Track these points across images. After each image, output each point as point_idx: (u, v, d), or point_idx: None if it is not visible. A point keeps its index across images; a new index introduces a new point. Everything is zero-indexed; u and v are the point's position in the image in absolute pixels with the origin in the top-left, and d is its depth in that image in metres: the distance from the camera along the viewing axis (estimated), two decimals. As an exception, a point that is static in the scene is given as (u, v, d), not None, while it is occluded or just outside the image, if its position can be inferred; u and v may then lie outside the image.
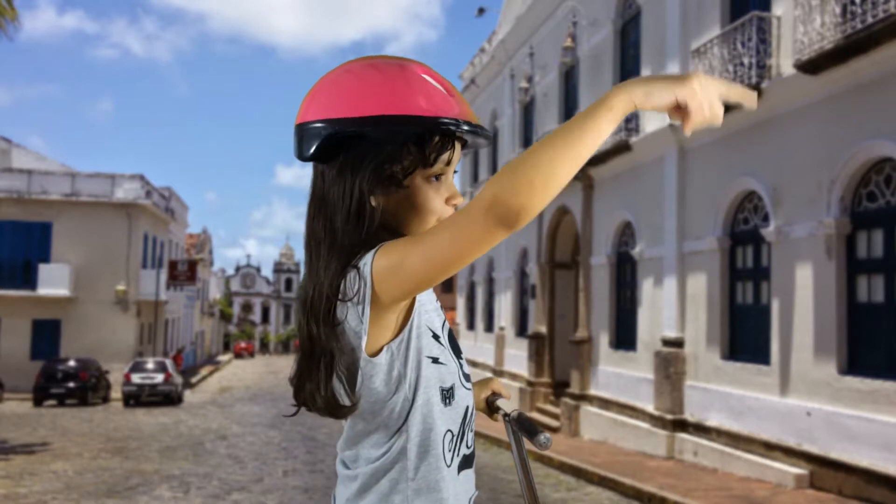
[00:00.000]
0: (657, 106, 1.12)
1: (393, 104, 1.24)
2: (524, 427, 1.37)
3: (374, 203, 1.27)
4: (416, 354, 1.26)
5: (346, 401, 1.28)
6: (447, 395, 1.29)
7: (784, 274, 10.35)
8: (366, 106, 1.25)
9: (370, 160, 1.26)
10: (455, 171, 1.37)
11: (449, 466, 1.28)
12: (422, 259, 1.14)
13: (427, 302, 1.32)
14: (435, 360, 1.28)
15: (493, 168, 25.15)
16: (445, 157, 1.30)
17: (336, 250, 1.26)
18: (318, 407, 1.32)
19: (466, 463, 1.33)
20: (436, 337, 1.29)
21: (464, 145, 1.36)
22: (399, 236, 1.28)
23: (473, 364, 23.29)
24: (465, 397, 1.33)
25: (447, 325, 1.38)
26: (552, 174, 1.06)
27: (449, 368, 1.30)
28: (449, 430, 1.29)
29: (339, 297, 1.23)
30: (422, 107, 1.25)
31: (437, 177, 1.31)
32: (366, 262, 1.20)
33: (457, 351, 1.35)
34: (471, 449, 1.35)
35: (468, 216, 1.10)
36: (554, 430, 16.54)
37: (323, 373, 1.28)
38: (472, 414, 1.35)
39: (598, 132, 1.09)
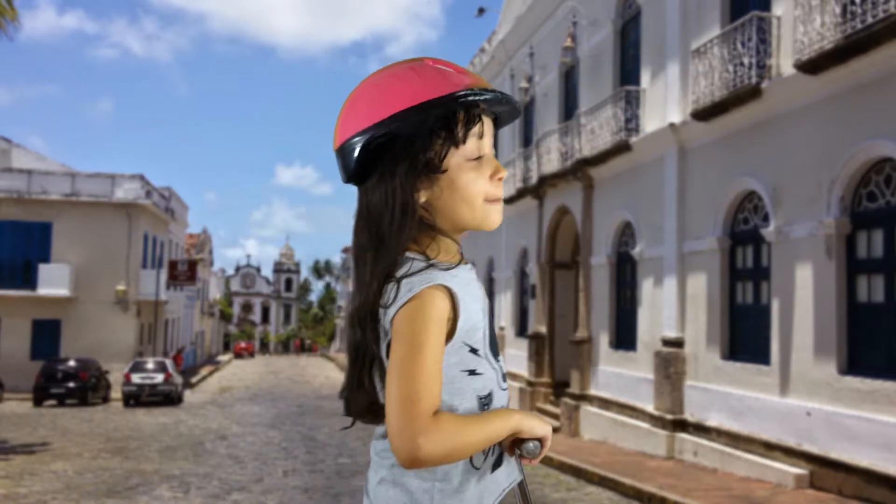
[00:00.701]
0: (537, 434, 1.33)
1: (411, 97, 1.28)
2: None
3: (418, 198, 1.31)
4: (448, 371, 1.28)
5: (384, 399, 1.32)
6: (485, 402, 1.32)
7: (784, 274, 10.35)
8: (386, 107, 1.29)
9: (404, 156, 1.30)
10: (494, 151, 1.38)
11: (478, 469, 1.31)
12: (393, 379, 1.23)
13: (470, 318, 1.30)
14: (472, 373, 1.30)
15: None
16: (476, 130, 1.33)
17: (383, 254, 1.29)
18: (361, 409, 1.36)
19: (501, 458, 1.35)
20: (474, 351, 1.31)
21: (495, 121, 1.39)
22: (452, 230, 1.34)
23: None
24: (501, 398, 1.36)
25: (491, 324, 1.38)
26: (459, 458, 1.25)
27: (486, 377, 1.33)
28: None
29: (382, 303, 1.27)
30: (438, 89, 1.29)
31: (477, 159, 1.33)
32: (399, 302, 1.25)
33: (496, 353, 1.37)
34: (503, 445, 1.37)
35: (404, 422, 1.20)
36: (554, 430, 16.48)
37: (367, 374, 1.33)
38: None
39: (500, 439, 1.30)
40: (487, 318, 1.36)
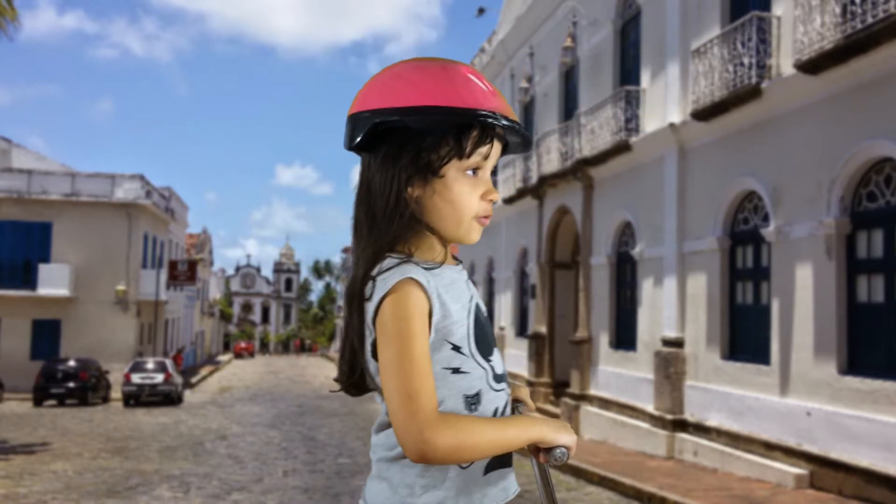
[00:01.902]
0: (561, 443, 1.32)
1: (434, 96, 1.29)
2: None
3: (410, 193, 1.32)
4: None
5: (372, 384, 1.35)
6: (472, 402, 1.31)
7: (784, 274, 10.35)
8: (408, 97, 1.30)
9: (410, 148, 1.31)
10: (494, 175, 1.39)
11: (465, 468, 1.30)
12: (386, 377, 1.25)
13: (448, 314, 1.30)
14: (456, 371, 1.30)
15: (494, 167, 25.07)
16: (483, 150, 1.34)
17: (374, 239, 1.32)
18: (345, 384, 1.40)
19: (499, 463, 1.35)
20: (457, 348, 1.30)
21: (504, 147, 1.41)
22: (437, 231, 1.35)
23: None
24: (495, 399, 1.35)
25: (477, 325, 1.36)
26: (471, 457, 1.25)
27: (473, 376, 1.32)
28: None
29: (367, 295, 1.29)
30: (462, 99, 1.30)
31: (474, 171, 1.35)
32: (375, 298, 1.27)
33: (485, 351, 1.35)
34: None
35: (406, 418, 1.20)
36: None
37: (350, 352, 1.35)
38: (503, 414, 1.37)
39: (517, 446, 1.30)
40: (474, 317, 1.35)
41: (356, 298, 1.30)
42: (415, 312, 1.24)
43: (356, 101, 1.36)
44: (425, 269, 1.29)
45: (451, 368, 1.29)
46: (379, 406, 1.38)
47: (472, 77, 1.34)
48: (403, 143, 1.31)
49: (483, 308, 1.41)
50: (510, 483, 1.37)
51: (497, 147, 1.37)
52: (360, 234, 1.35)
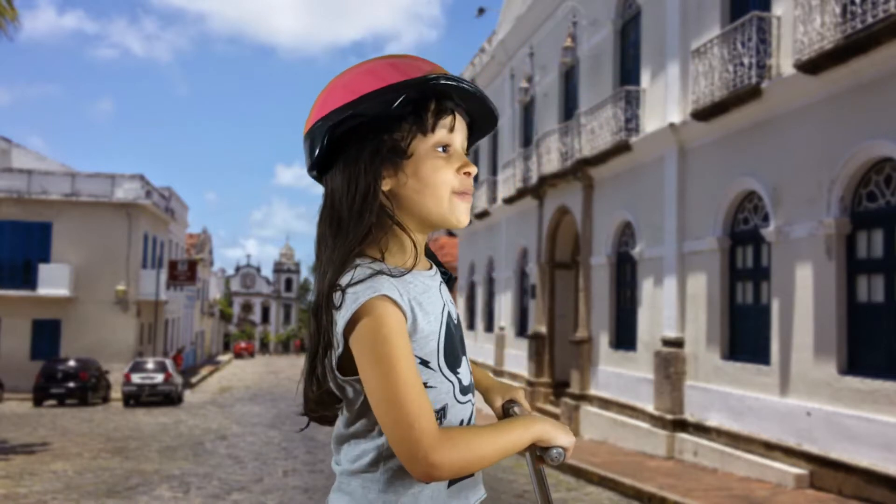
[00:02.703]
0: (560, 443, 1.29)
1: (379, 81, 1.26)
2: None
3: (381, 186, 1.27)
4: None
5: (339, 395, 1.29)
6: (438, 416, 1.26)
7: (784, 274, 10.35)
8: (353, 92, 1.27)
9: (369, 139, 1.27)
10: (467, 154, 1.35)
11: (427, 483, 1.25)
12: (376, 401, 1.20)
13: (418, 328, 1.24)
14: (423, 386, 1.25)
15: (493, 167, 25.12)
16: (446, 122, 1.29)
17: (340, 242, 1.26)
18: (313, 401, 1.32)
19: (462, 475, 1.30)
20: (425, 363, 1.25)
21: (470, 128, 1.36)
22: (410, 227, 1.30)
23: (473, 364, 23.13)
24: (461, 411, 1.31)
25: (448, 337, 1.30)
26: (479, 467, 1.22)
27: (440, 390, 1.27)
28: None
29: (335, 304, 1.22)
30: (406, 73, 1.27)
31: (445, 148, 1.29)
32: (345, 312, 1.20)
33: (453, 364, 1.31)
34: None
35: (412, 446, 1.16)
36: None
37: (319, 362, 1.28)
38: (469, 424, 1.33)
39: (520, 447, 1.27)
40: (445, 328, 1.29)
41: (324, 308, 1.23)
42: (395, 331, 1.18)
43: (307, 123, 1.32)
44: (395, 276, 1.23)
45: None
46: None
47: (406, 58, 1.31)
48: (361, 139, 1.26)
49: (455, 315, 1.35)
50: (473, 493, 1.33)
51: (461, 122, 1.32)
52: (324, 246, 1.28)
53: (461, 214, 1.31)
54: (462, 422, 1.31)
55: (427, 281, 1.31)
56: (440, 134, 1.29)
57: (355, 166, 1.26)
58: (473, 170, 1.32)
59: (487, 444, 1.21)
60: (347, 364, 1.23)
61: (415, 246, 1.32)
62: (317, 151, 1.29)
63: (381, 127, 1.26)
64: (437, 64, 1.33)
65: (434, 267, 1.38)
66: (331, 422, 1.36)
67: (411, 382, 1.17)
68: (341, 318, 1.20)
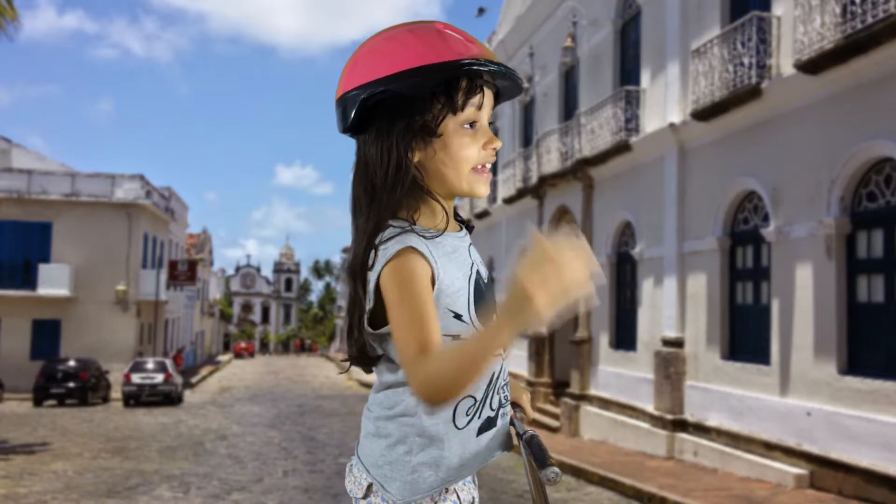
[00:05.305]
0: (538, 325, 1.13)
1: (416, 58, 1.30)
2: (534, 454, 1.33)
3: (412, 158, 1.32)
4: None
5: (373, 352, 1.36)
6: None
7: (784, 274, 10.35)
8: (388, 66, 1.31)
9: (402, 115, 1.32)
10: (491, 123, 1.40)
11: (461, 429, 1.33)
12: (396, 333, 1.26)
13: (449, 282, 1.30)
14: (455, 338, 1.30)
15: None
16: (475, 100, 1.34)
17: (374, 210, 1.32)
18: (353, 355, 1.39)
19: (490, 424, 1.37)
20: (458, 316, 1.31)
21: (496, 96, 1.41)
22: (441, 193, 1.36)
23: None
24: (491, 364, 1.34)
25: (477, 292, 1.35)
26: (469, 378, 1.18)
27: None
28: (470, 396, 1.33)
29: (369, 264, 1.29)
30: (441, 54, 1.30)
31: (472, 125, 1.35)
32: (377, 267, 1.27)
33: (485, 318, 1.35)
34: (495, 411, 1.38)
35: (409, 367, 1.22)
36: (554, 430, 16.54)
37: (356, 324, 1.34)
38: (499, 378, 1.38)
39: (510, 337, 1.15)
40: (475, 283, 1.35)
41: (359, 269, 1.31)
42: (418, 274, 1.25)
43: (340, 85, 1.37)
44: (426, 237, 1.30)
45: (450, 336, 1.29)
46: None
47: (446, 30, 1.34)
48: (395, 112, 1.32)
49: (484, 274, 1.40)
50: (503, 440, 1.39)
51: (489, 95, 1.37)
52: (359, 210, 1.35)
53: (481, 187, 1.38)
54: (493, 374, 1.37)
55: (456, 242, 1.37)
56: (469, 112, 1.34)
57: (388, 140, 1.32)
58: (498, 144, 1.38)
59: (471, 353, 1.17)
60: (380, 318, 1.30)
61: (445, 211, 1.38)
62: (349, 119, 1.36)
63: (414, 103, 1.31)
64: (467, 34, 1.37)
65: (464, 229, 1.44)
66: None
67: (419, 310, 1.23)
68: (374, 275, 1.28)
